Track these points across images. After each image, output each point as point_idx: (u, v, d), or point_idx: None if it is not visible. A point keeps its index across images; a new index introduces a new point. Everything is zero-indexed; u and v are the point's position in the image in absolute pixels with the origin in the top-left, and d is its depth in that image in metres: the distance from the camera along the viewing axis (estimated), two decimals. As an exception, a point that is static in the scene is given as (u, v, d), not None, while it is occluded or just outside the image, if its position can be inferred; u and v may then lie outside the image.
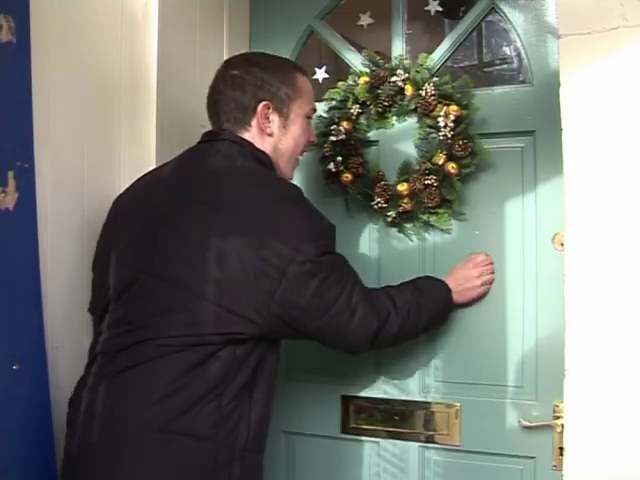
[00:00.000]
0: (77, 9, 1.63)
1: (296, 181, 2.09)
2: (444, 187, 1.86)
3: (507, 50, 1.93)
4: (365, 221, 2.02)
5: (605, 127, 1.42)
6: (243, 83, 1.58)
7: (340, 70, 2.08)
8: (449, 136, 1.84)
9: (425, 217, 1.91)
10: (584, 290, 1.44)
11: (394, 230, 1.98)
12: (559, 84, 1.46)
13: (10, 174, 1.41)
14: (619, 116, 1.41)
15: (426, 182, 1.87)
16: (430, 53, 1.93)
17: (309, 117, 1.66)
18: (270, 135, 1.59)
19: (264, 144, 1.59)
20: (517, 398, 1.85)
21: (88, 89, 1.71)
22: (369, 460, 2.03)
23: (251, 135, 1.58)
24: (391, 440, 1.99)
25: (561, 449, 1.58)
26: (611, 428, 1.41)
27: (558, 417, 1.70)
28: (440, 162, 1.85)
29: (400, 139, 1.97)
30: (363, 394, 2.03)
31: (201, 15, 1.94)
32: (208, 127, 1.94)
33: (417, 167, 1.91)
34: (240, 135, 1.58)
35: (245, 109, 1.58)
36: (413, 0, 1.99)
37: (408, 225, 1.95)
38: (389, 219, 1.94)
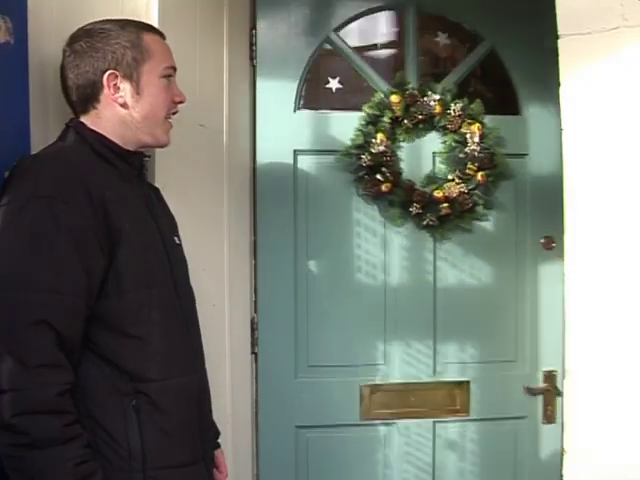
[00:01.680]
0: (76, 9, 1.63)
1: (326, 189, 2.21)
2: (474, 194, 2.17)
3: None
4: (397, 228, 2.19)
5: (605, 127, 1.41)
6: (83, 57, 1.46)
7: (353, 81, 2.22)
8: (477, 150, 2.14)
9: (457, 221, 2.15)
10: (584, 290, 1.44)
11: (427, 234, 2.19)
12: (558, 86, 1.46)
13: (7, 175, 1.40)
14: (619, 116, 1.40)
15: (459, 190, 2.14)
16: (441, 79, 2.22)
17: (167, 76, 1.52)
18: (123, 106, 1.47)
19: (114, 118, 1.48)
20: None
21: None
22: (388, 442, 2.16)
23: (97, 112, 1.48)
24: (408, 420, 2.16)
25: (548, 408, 2.13)
26: (611, 428, 1.41)
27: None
28: (470, 172, 2.14)
29: (428, 151, 2.21)
30: (379, 381, 2.15)
31: (201, 15, 1.94)
32: (208, 127, 1.96)
33: (448, 177, 2.17)
34: (82, 116, 1.49)
35: (91, 85, 1.46)
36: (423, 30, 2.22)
37: (440, 230, 2.16)
38: (424, 223, 2.16)
